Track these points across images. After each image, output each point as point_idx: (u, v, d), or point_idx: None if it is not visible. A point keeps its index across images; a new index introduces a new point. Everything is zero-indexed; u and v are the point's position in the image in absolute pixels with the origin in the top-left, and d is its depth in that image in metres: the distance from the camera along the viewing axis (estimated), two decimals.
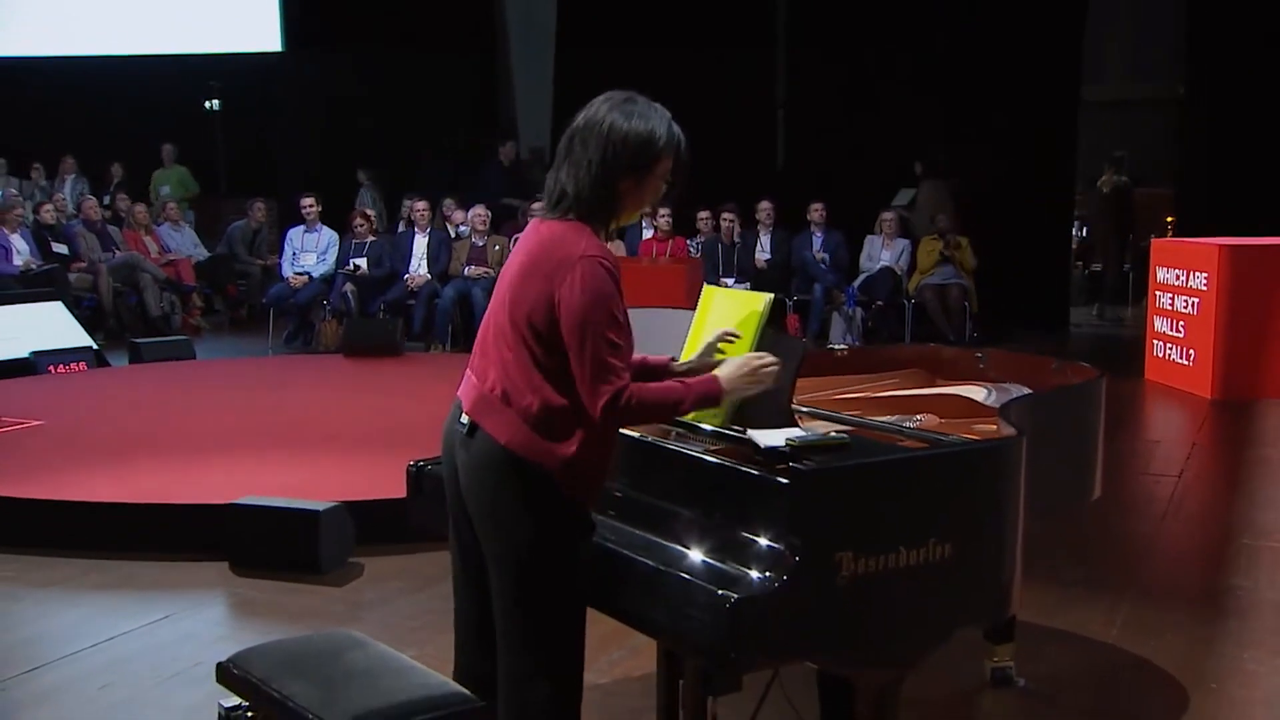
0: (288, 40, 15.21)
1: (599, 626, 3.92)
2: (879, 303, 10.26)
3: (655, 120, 2.45)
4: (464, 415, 2.51)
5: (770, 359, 2.54)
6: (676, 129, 2.48)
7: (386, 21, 14.01)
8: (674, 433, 2.75)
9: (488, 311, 2.57)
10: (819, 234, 10.57)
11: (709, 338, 2.70)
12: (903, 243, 10.51)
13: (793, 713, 2.98)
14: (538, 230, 2.49)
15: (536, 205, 2.56)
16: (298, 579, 4.65)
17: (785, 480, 2.33)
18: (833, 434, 2.53)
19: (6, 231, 10.55)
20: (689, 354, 2.73)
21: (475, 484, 2.48)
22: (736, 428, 2.61)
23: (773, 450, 2.44)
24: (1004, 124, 11.02)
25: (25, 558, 4.92)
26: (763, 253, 10.53)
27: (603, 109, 2.45)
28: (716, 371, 2.51)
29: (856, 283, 10.45)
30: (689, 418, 2.67)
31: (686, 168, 2.50)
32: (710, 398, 2.47)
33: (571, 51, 12.93)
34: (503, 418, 2.43)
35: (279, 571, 4.69)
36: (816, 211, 10.50)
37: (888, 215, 10.55)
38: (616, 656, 3.90)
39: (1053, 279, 11.33)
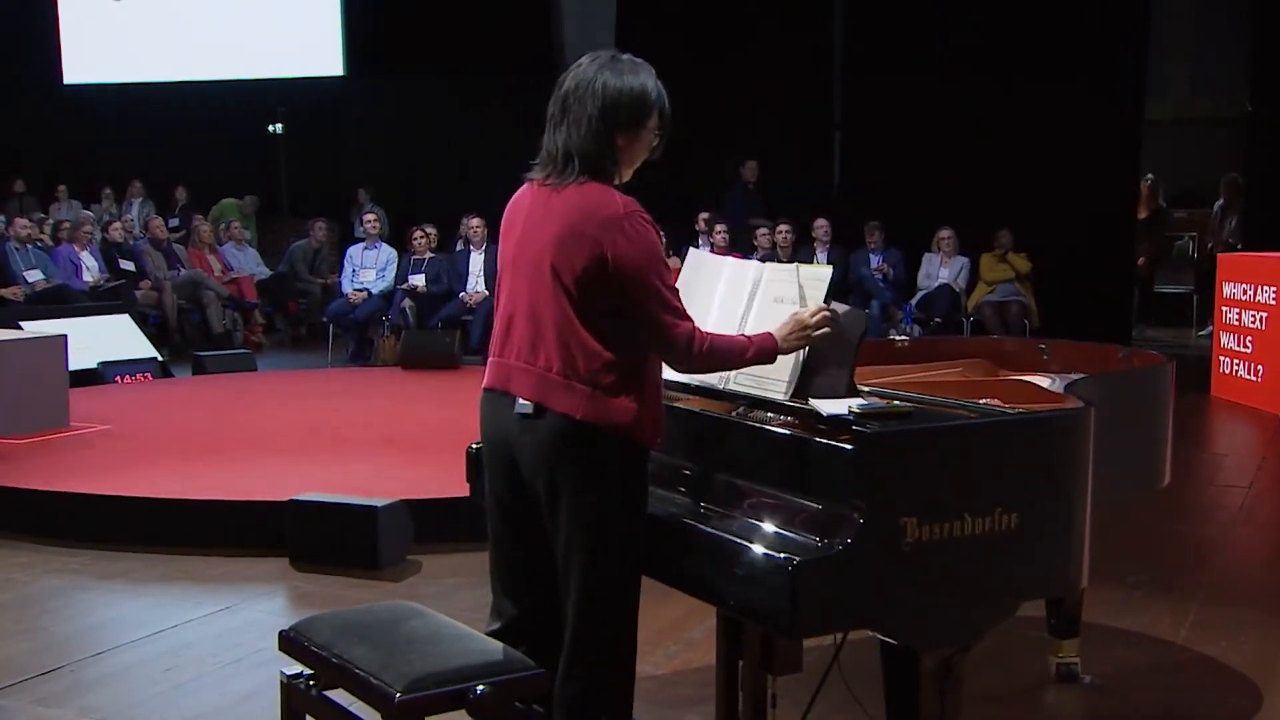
0: (350, 64, 15.45)
1: (656, 621, 3.95)
2: (937, 320, 10.17)
3: (645, 76, 2.52)
4: (522, 400, 2.51)
5: (821, 316, 2.56)
6: (660, 84, 2.56)
7: (448, 46, 14.20)
8: (738, 409, 2.74)
9: (509, 293, 2.57)
10: (879, 255, 10.54)
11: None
12: (961, 260, 10.43)
13: (851, 698, 2.95)
14: (557, 198, 2.47)
15: (534, 173, 2.57)
16: (356, 574, 4.68)
17: (849, 445, 2.32)
18: (896, 403, 2.51)
19: (76, 249, 10.78)
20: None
21: (551, 462, 2.48)
22: (798, 399, 2.60)
23: (836, 418, 2.43)
24: (1065, 141, 10.92)
25: (92, 551, 5.01)
26: None
27: (591, 69, 2.50)
28: (773, 330, 2.57)
29: (914, 300, 10.38)
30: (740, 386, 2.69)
31: (670, 123, 2.57)
32: (768, 351, 2.55)
33: None
34: (572, 393, 2.45)
35: (338, 567, 4.72)
36: (873, 239, 10.50)
37: (945, 233, 10.47)
38: (673, 650, 3.89)
39: (1115, 297, 11.17)
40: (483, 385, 2.66)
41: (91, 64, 15.52)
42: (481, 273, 10.72)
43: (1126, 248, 11.53)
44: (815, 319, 2.55)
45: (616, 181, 2.51)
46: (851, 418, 2.39)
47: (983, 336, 4.82)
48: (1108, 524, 5.08)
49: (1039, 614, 3.63)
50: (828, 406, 2.48)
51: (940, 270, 10.46)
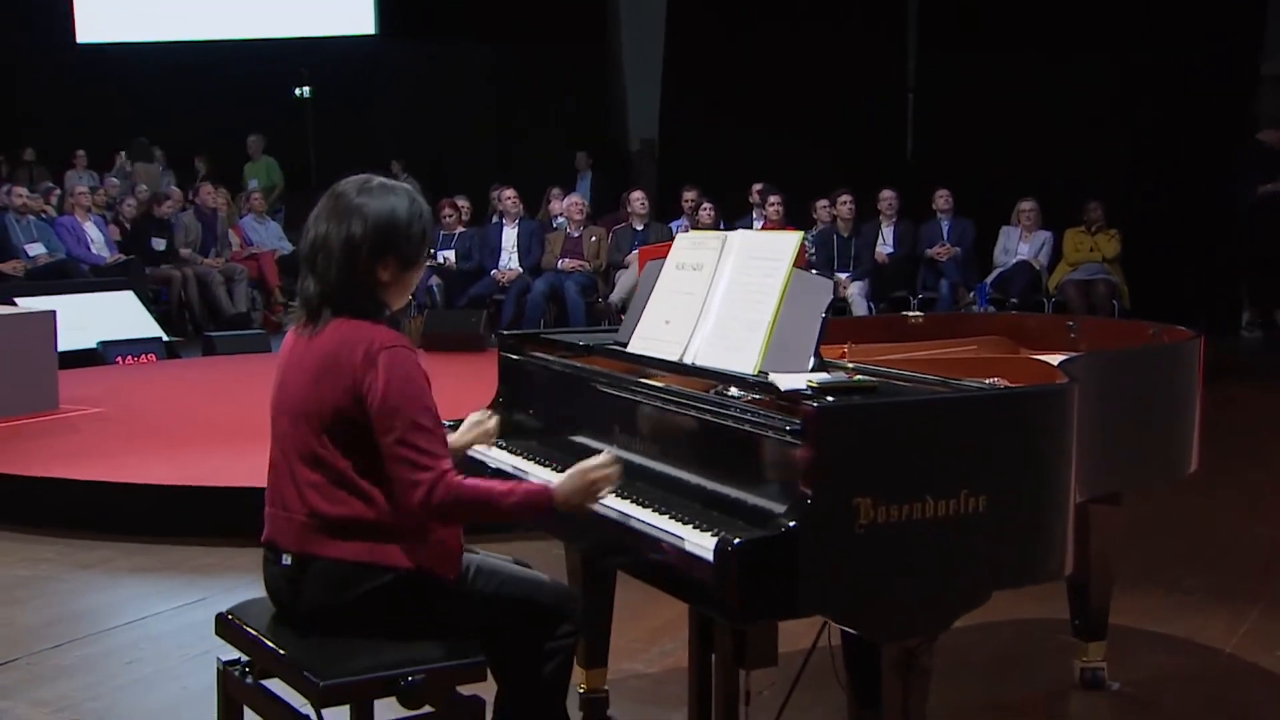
0: (383, 23, 15.63)
1: (650, 620, 4.05)
2: (1014, 300, 10.10)
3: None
4: (285, 556, 2.56)
5: (603, 466, 2.58)
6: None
7: (488, 4, 14.32)
8: (715, 387, 2.79)
9: (273, 439, 2.62)
10: (946, 222, 10.51)
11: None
12: (1043, 234, 10.35)
13: (839, 685, 3.01)
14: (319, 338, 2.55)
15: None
16: None
17: (800, 419, 2.38)
18: (860, 378, 2.57)
19: (79, 220, 11.06)
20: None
21: (327, 615, 2.54)
22: (758, 373, 2.66)
23: (793, 392, 2.49)
24: (1166, 103, 10.78)
25: (67, 540, 5.22)
26: (885, 246, 10.49)
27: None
28: (553, 483, 2.59)
29: (990, 278, 10.33)
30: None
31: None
32: (538, 506, 2.55)
33: (683, 37, 13.03)
34: (340, 540, 2.50)
35: None
36: (942, 198, 10.47)
37: (1027, 205, 10.40)
38: (669, 647, 3.98)
39: (1219, 278, 11.01)
40: None
41: (103, 22, 15.80)
42: (515, 248, 10.89)
43: (1235, 223, 11.34)
44: (602, 472, 2.57)
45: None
46: (809, 391, 2.46)
47: (1005, 313, 4.86)
48: (1171, 524, 5.11)
49: (1063, 615, 3.67)
50: (787, 381, 2.54)
51: (1020, 245, 10.39)
